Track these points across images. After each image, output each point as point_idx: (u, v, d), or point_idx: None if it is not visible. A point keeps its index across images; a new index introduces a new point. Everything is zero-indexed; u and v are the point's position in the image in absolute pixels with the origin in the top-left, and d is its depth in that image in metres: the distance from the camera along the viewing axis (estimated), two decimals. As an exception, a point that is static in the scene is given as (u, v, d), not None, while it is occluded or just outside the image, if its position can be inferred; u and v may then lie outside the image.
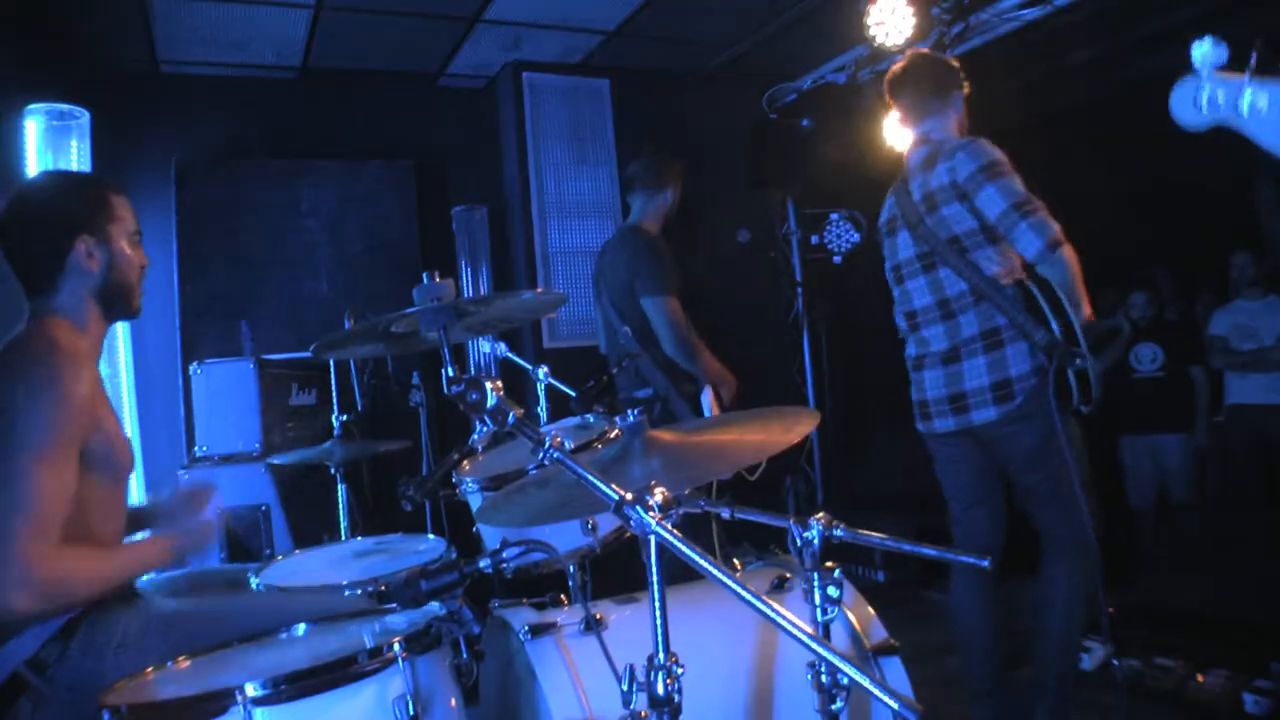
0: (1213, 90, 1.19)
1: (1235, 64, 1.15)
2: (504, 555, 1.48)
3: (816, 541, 1.44)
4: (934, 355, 2.82)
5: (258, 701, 1.27)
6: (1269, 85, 1.15)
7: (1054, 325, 2.55)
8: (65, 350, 1.76)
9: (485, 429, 1.34)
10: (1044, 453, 2.62)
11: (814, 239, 5.53)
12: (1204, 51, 1.18)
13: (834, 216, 5.45)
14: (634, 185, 3.88)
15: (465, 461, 2.30)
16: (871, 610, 1.88)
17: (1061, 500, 2.63)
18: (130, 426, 4.20)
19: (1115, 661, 3.19)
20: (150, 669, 1.51)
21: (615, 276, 3.76)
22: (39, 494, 1.61)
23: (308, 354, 2.01)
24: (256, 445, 3.88)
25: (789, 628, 0.99)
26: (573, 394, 2.80)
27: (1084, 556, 2.65)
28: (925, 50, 3.02)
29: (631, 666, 1.25)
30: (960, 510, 2.92)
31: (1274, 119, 1.13)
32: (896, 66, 2.97)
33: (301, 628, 1.66)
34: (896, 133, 3.84)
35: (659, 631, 1.21)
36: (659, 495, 1.16)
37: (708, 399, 3.54)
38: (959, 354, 2.75)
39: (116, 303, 1.95)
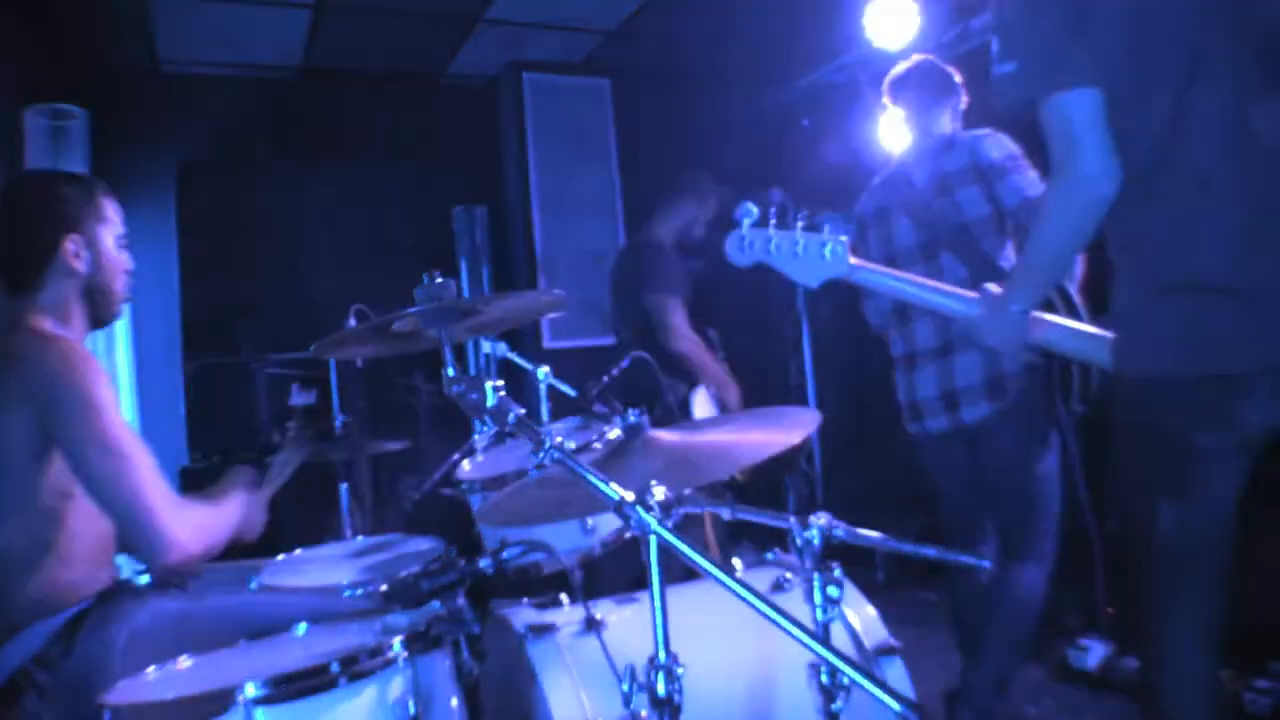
0: (750, 239, 1.93)
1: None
2: (504, 555, 1.48)
3: (817, 541, 1.44)
4: (925, 352, 2.78)
5: (258, 701, 1.27)
6: (783, 234, 1.89)
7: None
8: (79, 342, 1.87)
9: (485, 429, 1.35)
10: (1029, 454, 2.60)
11: (814, 239, 5.51)
12: (747, 210, 1.91)
13: (834, 216, 5.44)
14: (666, 195, 3.88)
15: (465, 461, 2.30)
16: (872, 610, 1.88)
17: (1039, 505, 2.61)
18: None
19: (1115, 662, 3.19)
20: (151, 668, 1.51)
21: (624, 280, 3.81)
22: (145, 467, 1.75)
23: (308, 354, 2.01)
24: (256, 445, 3.88)
25: (789, 628, 0.99)
26: (573, 394, 2.80)
27: (1045, 565, 2.61)
28: (928, 55, 3.02)
29: (632, 666, 1.25)
30: (953, 512, 2.89)
31: (788, 258, 1.89)
32: (898, 69, 2.98)
33: (302, 627, 1.66)
34: (895, 133, 3.84)
35: (659, 631, 1.21)
36: (659, 495, 1.16)
37: (694, 400, 3.53)
38: (951, 347, 2.70)
39: (100, 304, 1.96)
